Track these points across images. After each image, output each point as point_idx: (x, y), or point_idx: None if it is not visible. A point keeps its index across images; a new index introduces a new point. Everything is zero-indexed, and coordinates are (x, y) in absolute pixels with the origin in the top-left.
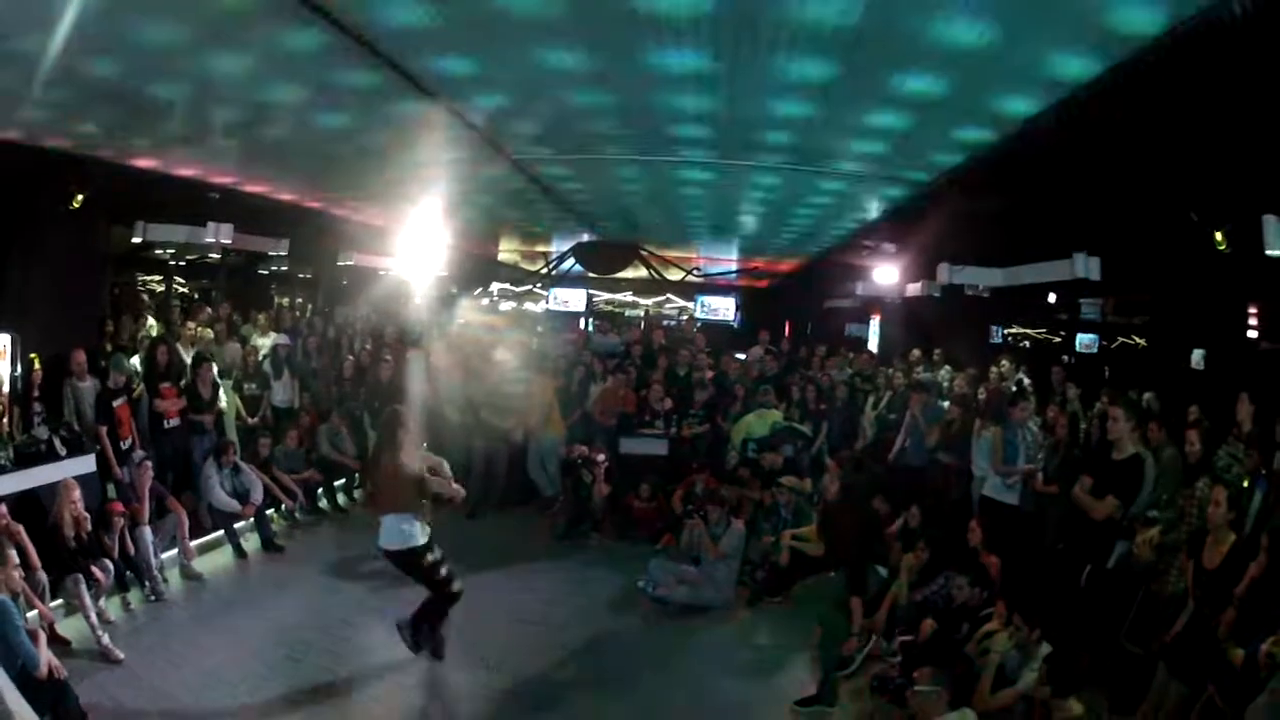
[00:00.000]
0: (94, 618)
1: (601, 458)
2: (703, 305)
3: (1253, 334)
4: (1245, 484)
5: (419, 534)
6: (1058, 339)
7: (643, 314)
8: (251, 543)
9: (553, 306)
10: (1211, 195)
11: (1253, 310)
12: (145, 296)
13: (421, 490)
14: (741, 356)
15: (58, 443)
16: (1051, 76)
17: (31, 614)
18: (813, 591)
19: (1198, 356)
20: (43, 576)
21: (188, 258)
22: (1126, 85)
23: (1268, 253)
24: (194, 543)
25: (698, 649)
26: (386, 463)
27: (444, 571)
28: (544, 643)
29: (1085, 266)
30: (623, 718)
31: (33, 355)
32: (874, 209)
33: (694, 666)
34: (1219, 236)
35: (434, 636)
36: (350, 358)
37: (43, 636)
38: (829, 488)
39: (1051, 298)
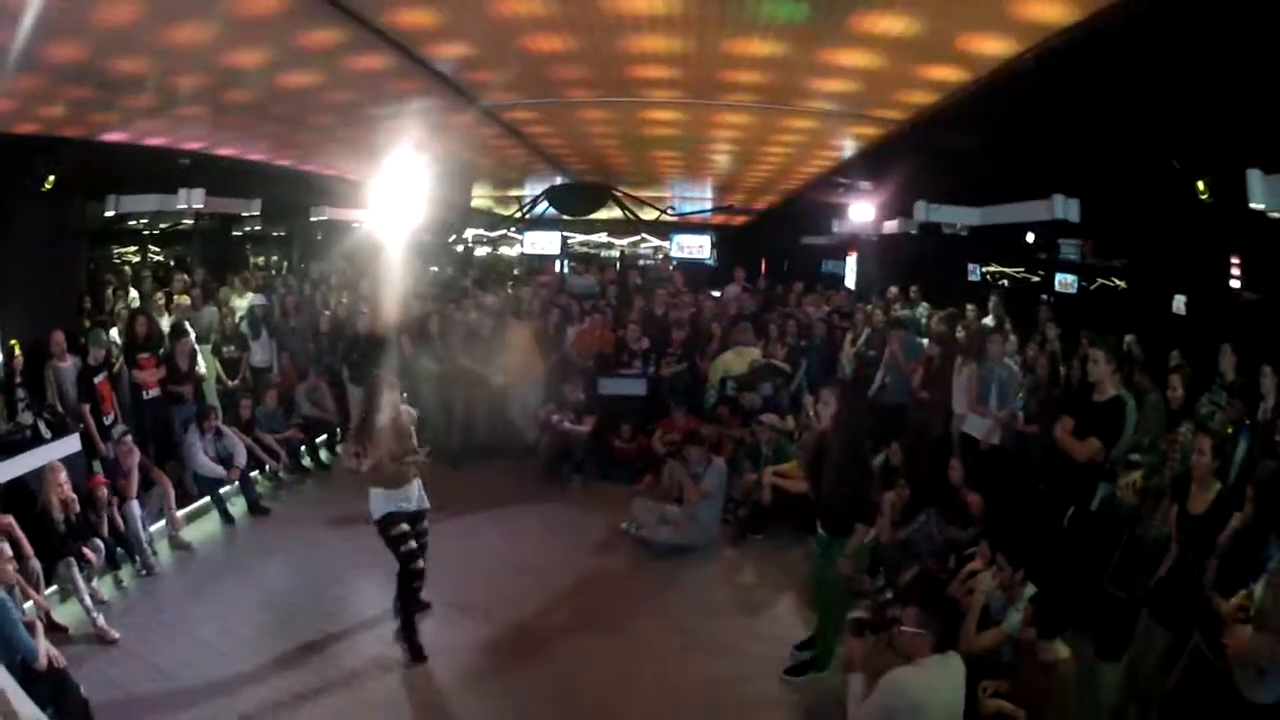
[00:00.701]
0: (88, 600)
1: (553, 413)
2: (678, 244)
3: (1234, 284)
4: (1230, 431)
5: (384, 505)
6: (1036, 278)
7: (618, 255)
8: (238, 507)
9: (528, 250)
10: (1194, 144)
11: (1235, 260)
12: (126, 269)
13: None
14: (718, 294)
15: (42, 426)
16: (1032, 20)
17: (28, 605)
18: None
19: (1179, 302)
20: (36, 565)
21: (161, 226)
22: (1110, 31)
23: (1251, 205)
24: (180, 512)
25: (683, 589)
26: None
27: (405, 547)
28: (531, 588)
29: (1064, 208)
30: (611, 660)
31: (13, 342)
32: (849, 147)
33: (680, 606)
34: (1201, 186)
35: (408, 636)
36: (326, 313)
37: (40, 627)
38: (823, 412)
39: (1030, 238)
